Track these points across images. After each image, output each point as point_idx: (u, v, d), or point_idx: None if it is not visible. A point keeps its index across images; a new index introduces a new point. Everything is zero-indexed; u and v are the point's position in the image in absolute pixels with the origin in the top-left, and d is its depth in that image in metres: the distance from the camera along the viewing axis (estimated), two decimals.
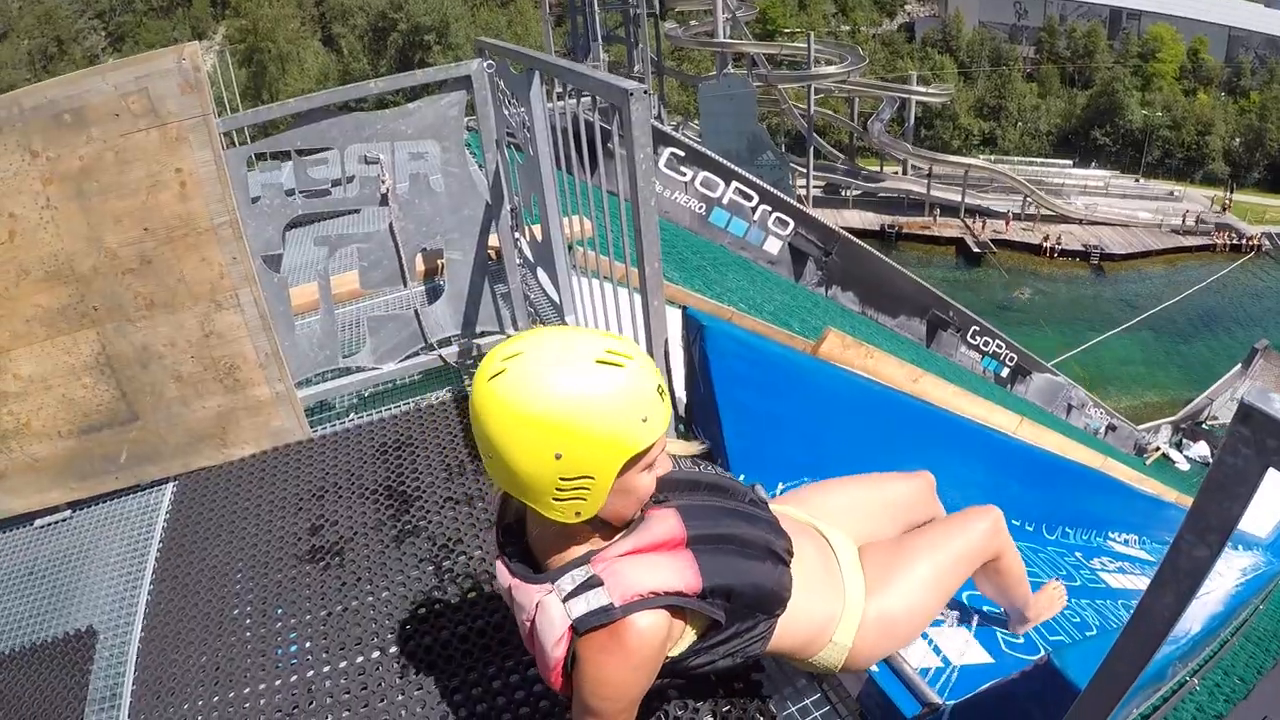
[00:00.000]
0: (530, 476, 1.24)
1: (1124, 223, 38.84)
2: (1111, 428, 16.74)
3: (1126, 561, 5.30)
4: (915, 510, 2.05)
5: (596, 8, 32.78)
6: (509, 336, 3.47)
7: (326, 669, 2.07)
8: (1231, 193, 42.13)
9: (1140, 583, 5.03)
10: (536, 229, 3.08)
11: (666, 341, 2.18)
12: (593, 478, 1.25)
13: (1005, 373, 15.52)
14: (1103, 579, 4.47)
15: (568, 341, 1.27)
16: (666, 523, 1.42)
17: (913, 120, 41.94)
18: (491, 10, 51.35)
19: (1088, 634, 3.34)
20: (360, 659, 2.08)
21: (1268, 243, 38.40)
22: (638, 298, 2.19)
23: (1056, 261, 36.84)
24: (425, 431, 3.00)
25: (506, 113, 2.97)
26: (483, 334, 3.40)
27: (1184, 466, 16.67)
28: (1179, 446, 17.68)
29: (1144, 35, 47.87)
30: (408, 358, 3.34)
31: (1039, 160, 43.48)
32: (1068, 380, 16.77)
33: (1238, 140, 44.66)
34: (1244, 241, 38.29)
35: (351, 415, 3.25)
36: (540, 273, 3.30)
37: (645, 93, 1.73)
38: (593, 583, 1.32)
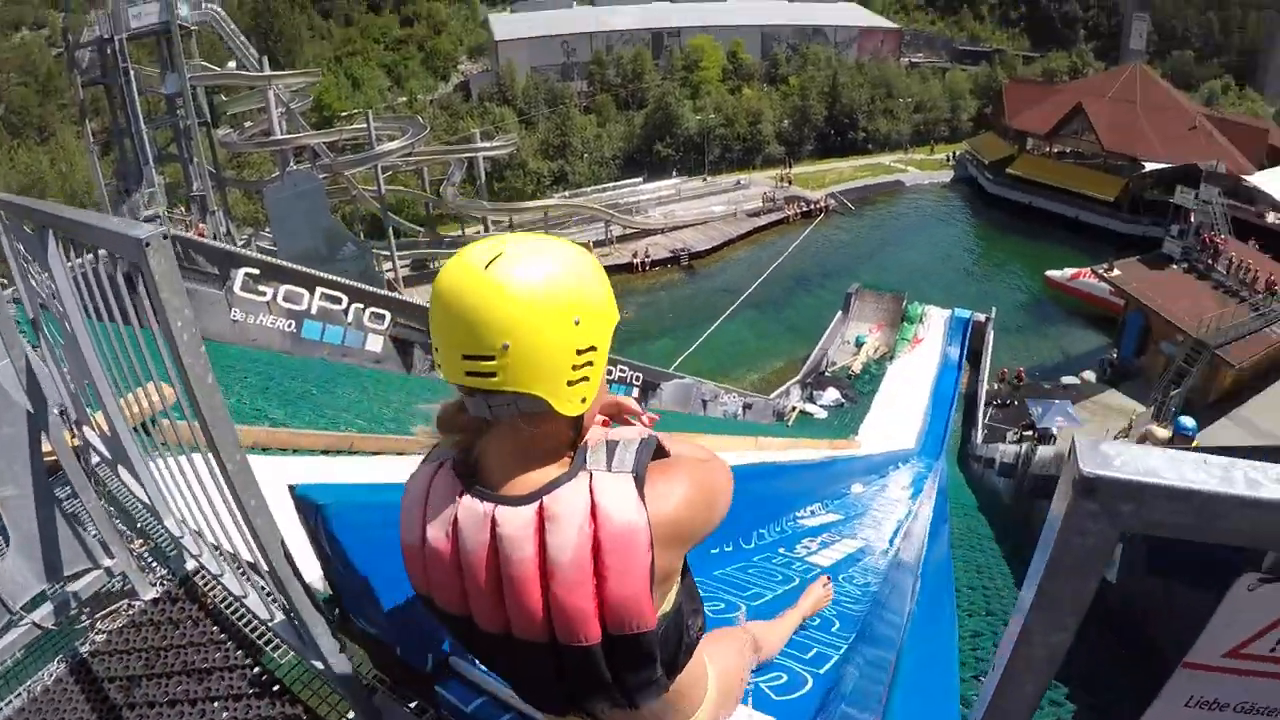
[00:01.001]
0: (553, 350, 1.20)
1: (702, 220, 43.16)
2: (748, 406, 18.37)
3: (825, 533, 5.59)
4: None
5: (144, 126, 29.92)
6: (108, 571, 2.71)
7: None
8: (791, 168, 49.50)
9: (846, 546, 5.30)
10: (101, 417, 2.42)
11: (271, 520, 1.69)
12: (596, 349, 1.25)
13: (636, 393, 16.43)
14: (814, 563, 4.60)
15: (532, 234, 1.29)
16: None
17: (484, 176, 42.86)
18: (30, 149, 45.02)
19: (833, 630, 3.36)
20: None
21: (833, 201, 45.94)
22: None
23: (651, 273, 39.57)
24: None
25: (35, 285, 2.32)
26: (76, 575, 2.60)
27: (821, 415, 18.75)
28: (812, 399, 19.80)
29: (685, 49, 54.60)
30: None
31: (611, 185, 46.99)
32: (694, 379, 18.19)
33: (786, 121, 52.80)
34: (812, 206, 45.16)
35: None
36: (122, 470, 2.59)
37: (165, 237, 1.32)
38: (611, 445, 1.26)
